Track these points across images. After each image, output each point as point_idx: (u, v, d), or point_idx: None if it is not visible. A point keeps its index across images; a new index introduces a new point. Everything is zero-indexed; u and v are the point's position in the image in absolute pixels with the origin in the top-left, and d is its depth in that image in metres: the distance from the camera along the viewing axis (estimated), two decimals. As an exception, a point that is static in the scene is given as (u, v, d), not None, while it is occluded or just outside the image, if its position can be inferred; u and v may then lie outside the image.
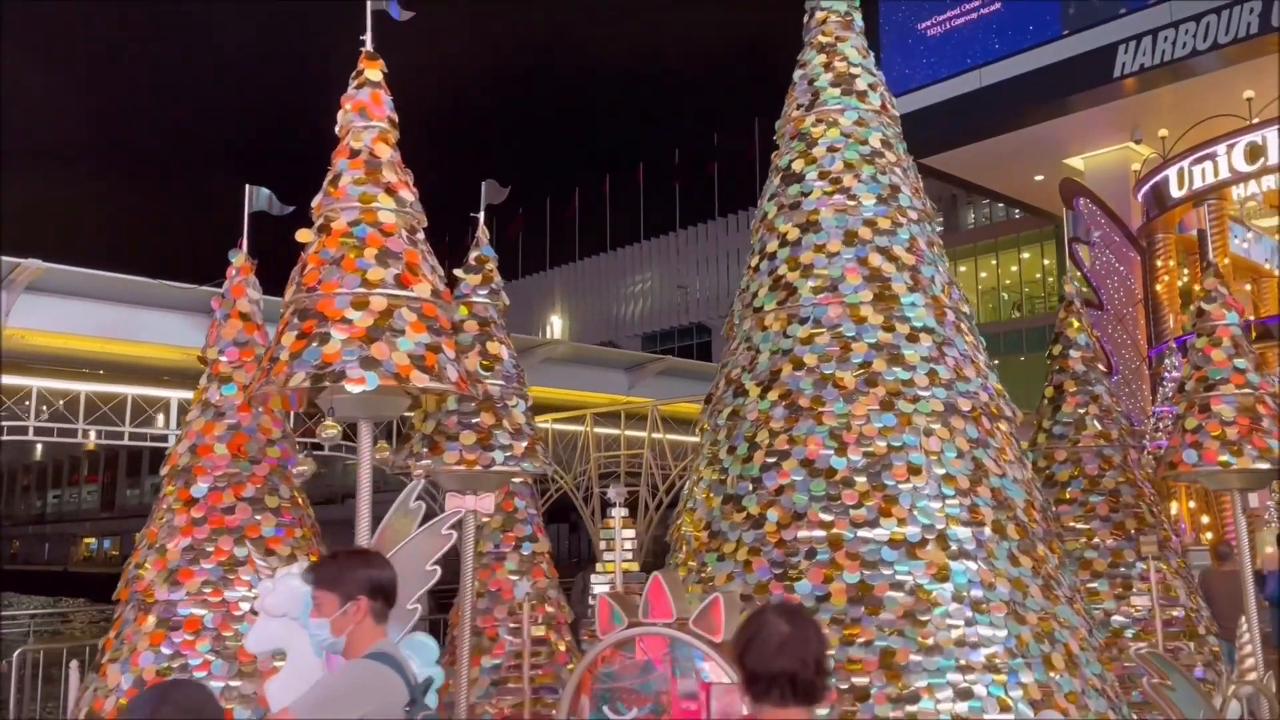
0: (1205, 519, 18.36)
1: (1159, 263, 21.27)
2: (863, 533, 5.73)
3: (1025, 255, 45.29)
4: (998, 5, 23.00)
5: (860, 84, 7.12)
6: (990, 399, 6.33)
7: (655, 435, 13.56)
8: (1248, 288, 23.73)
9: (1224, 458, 6.76)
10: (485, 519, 7.38)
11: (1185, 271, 21.13)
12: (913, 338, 6.30)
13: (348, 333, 4.69)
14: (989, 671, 5.37)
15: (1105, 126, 22.90)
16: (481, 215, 6.43)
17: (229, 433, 6.28)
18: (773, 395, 6.35)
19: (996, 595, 5.61)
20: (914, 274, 6.51)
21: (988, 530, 5.80)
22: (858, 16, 7.41)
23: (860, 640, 5.44)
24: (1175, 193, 19.57)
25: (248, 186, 6.84)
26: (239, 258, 6.74)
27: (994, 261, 45.79)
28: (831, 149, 6.94)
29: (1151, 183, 20.51)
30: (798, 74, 7.35)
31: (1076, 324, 8.87)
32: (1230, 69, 19.05)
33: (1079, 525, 8.14)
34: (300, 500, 6.47)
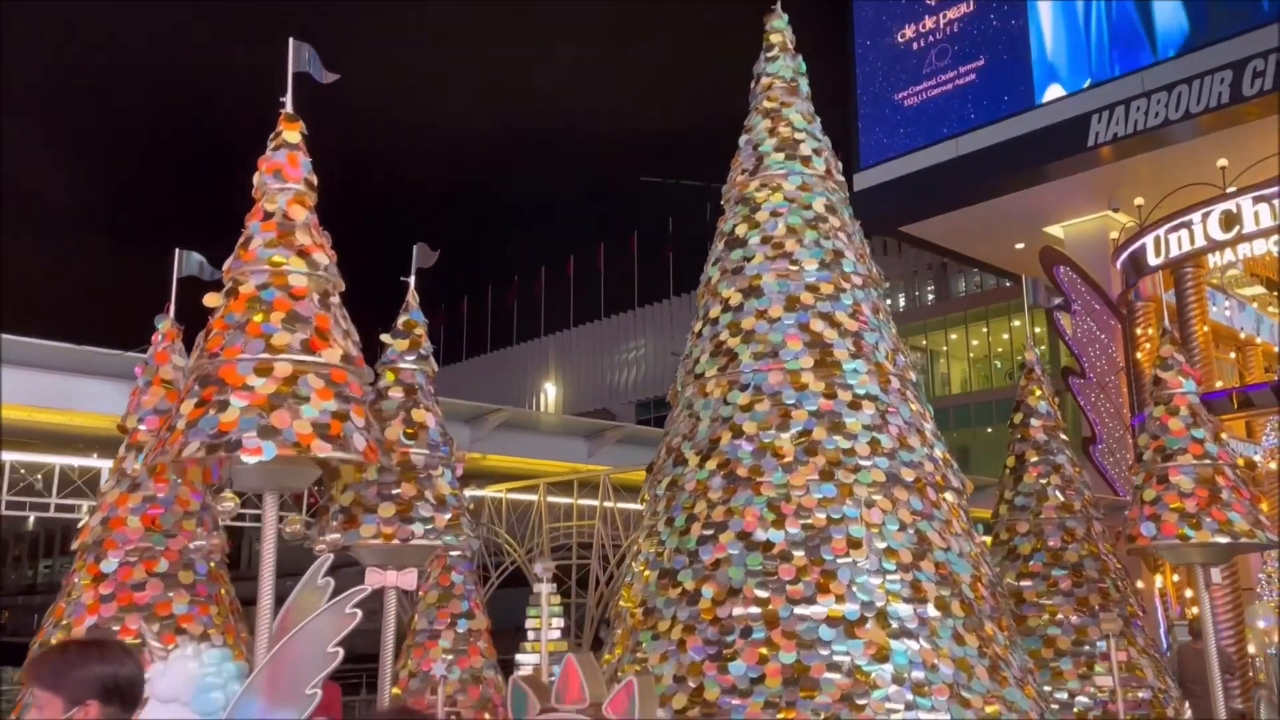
0: (1189, 593, 18.07)
1: (1139, 330, 21.29)
2: (800, 610, 5.53)
3: (1016, 323, 45.46)
4: (973, 77, 23.45)
5: (804, 149, 7.12)
6: (936, 468, 6.18)
7: (608, 504, 13.40)
8: (1232, 355, 23.77)
9: (1183, 531, 6.60)
10: (421, 594, 7.15)
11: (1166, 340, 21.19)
12: (855, 405, 6.18)
13: (248, 400, 4.55)
14: (931, 759, 5.13)
15: (1083, 195, 23.15)
16: (412, 279, 6.35)
17: (144, 505, 6.09)
18: (711, 464, 6.20)
19: (939, 677, 5.39)
20: (857, 340, 6.42)
21: (931, 607, 5.60)
22: (803, 82, 7.44)
23: (795, 725, 5.21)
24: (1152, 260, 19.69)
25: (177, 251, 6.76)
26: (165, 323, 6.63)
27: (985, 329, 45.92)
28: (774, 213, 6.91)
29: (1129, 250, 20.64)
30: (743, 139, 7.35)
31: (1038, 391, 8.77)
32: (1203, 138, 19.35)
33: (1042, 601, 7.93)
34: (219, 575, 6.26)
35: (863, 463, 5.95)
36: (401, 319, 6.22)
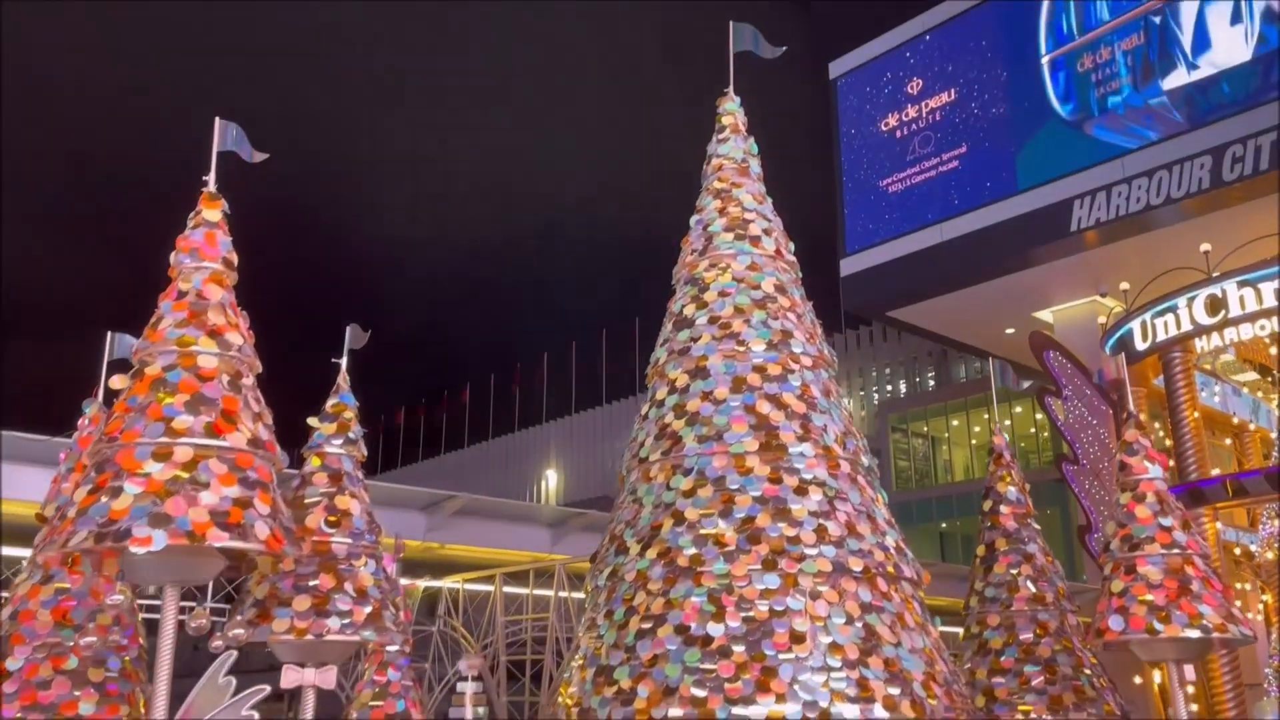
0: (1191, 690, 17.53)
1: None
2: (738, 710, 5.24)
3: (1018, 410, 45.28)
4: (955, 164, 23.77)
5: (754, 229, 7.07)
6: (887, 557, 5.95)
7: (563, 595, 12.98)
8: (1228, 442, 23.53)
9: (1151, 624, 6.33)
10: (356, 691, 6.86)
11: (1158, 425, 20.98)
12: (801, 490, 5.99)
13: (142, 486, 4.37)
14: None
15: (1071, 279, 23.23)
16: (344, 360, 6.23)
17: (55, 598, 5.85)
18: (652, 553, 5.98)
19: (888, 784, 5.08)
20: (804, 422, 6.26)
21: (879, 708, 5.31)
22: (754, 163, 7.44)
23: (730, 838, 4.88)
24: (1139, 346, 19.63)
25: (109, 334, 6.65)
26: (92, 408, 6.49)
27: (986, 415, 45.61)
28: (723, 293, 6.82)
29: (1117, 335, 20.61)
30: (694, 219, 7.32)
31: (1008, 477, 8.56)
32: (1186, 222, 19.46)
33: (1014, 699, 7.59)
34: (133, 673, 5.98)
35: (808, 551, 5.73)
36: (330, 402, 6.07)
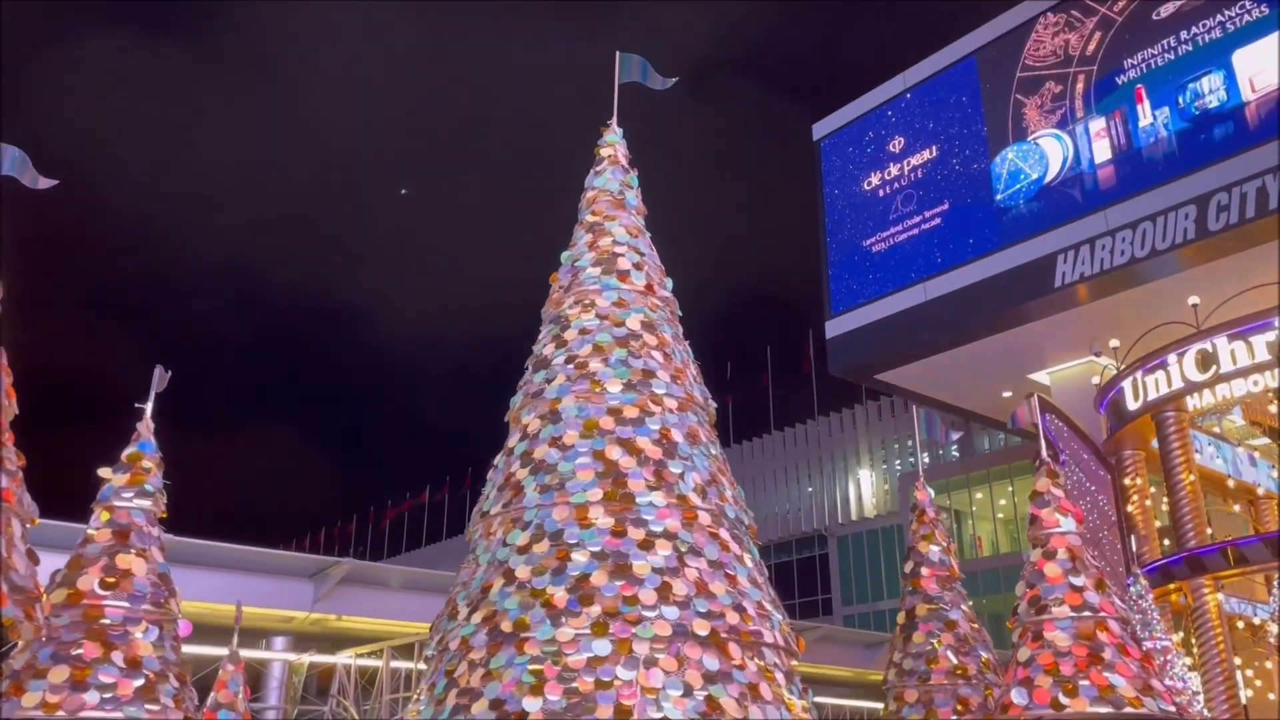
0: (1196, 777, 16.40)
1: (1128, 481, 20.28)
2: (545, 798, 4.63)
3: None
4: (938, 220, 23.38)
5: (624, 263, 6.64)
6: (744, 619, 5.35)
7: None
8: (1236, 509, 22.59)
9: (1057, 698, 5.66)
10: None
11: (1154, 490, 20.14)
12: (647, 545, 5.43)
13: None
14: None
15: (1063, 338, 22.64)
16: (149, 405, 5.77)
17: None
18: (477, 617, 5.41)
19: None
20: (659, 470, 5.72)
21: (712, 794, 4.68)
22: (631, 195, 7.03)
23: None
24: (1131, 405, 18.93)
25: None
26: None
27: (1010, 488, 44.44)
28: (583, 331, 6.36)
29: (1109, 396, 19.92)
30: (564, 255, 6.91)
31: (931, 536, 7.94)
32: (1174, 276, 18.91)
33: (928, 786, 6.86)
34: None
35: (647, 613, 5.15)
36: (127, 451, 5.59)
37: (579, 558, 5.37)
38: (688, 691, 4.96)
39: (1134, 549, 19.91)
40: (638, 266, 6.66)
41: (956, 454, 53.86)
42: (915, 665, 7.40)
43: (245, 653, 10.43)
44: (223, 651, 10.69)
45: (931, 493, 8.25)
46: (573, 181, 7.17)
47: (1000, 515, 46.63)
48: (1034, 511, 6.49)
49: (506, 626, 5.22)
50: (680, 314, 6.90)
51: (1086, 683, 5.65)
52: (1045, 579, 6.17)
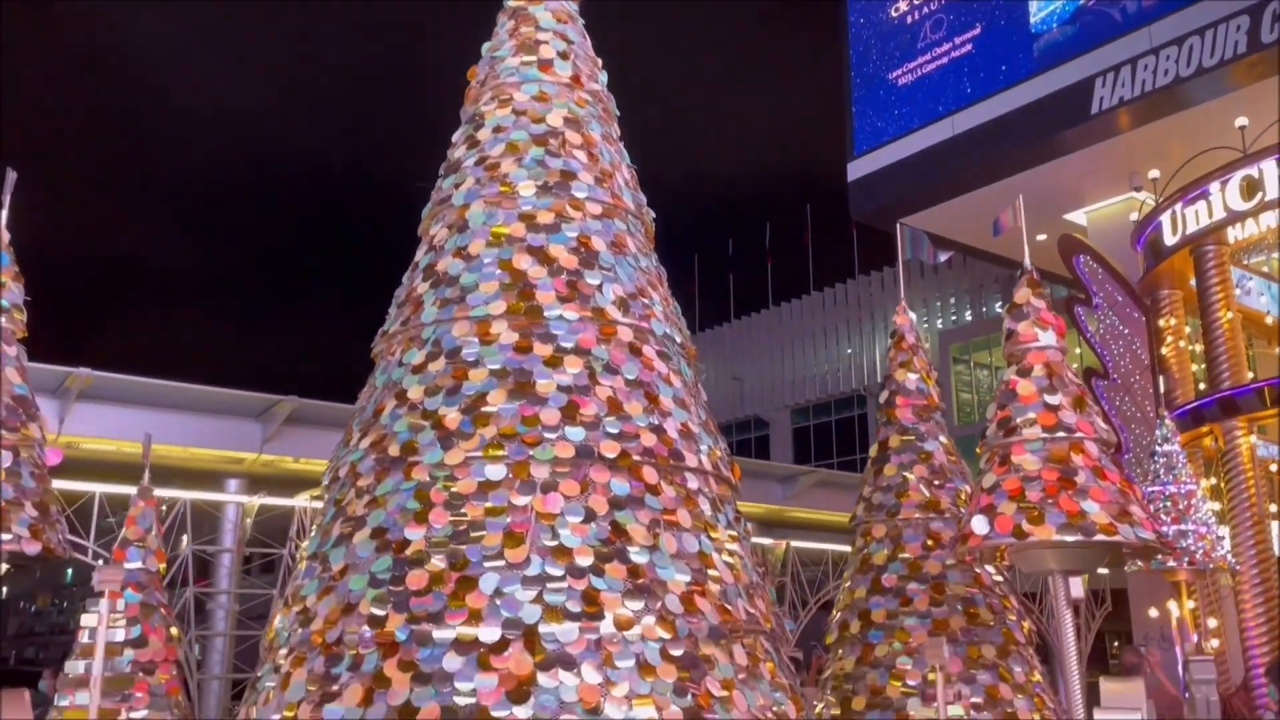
0: (1213, 622, 16.08)
1: (1163, 322, 19.36)
2: (422, 629, 4.22)
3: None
4: (969, 47, 21.84)
5: (547, 51, 5.86)
6: (663, 441, 4.82)
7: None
8: (1278, 351, 21.66)
9: (1020, 525, 5.12)
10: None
11: (1190, 331, 19.21)
12: (554, 361, 4.87)
13: None
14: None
15: (1101, 173, 21.36)
16: (4, 212, 5.22)
17: None
18: (366, 443, 4.95)
19: (604, 722, 4.03)
20: (573, 281, 5.12)
21: (608, 624, 4.24)
22: None
23: (383, 792, 3.89)
24: (1169, 240, 17.86)
25: None
26: None
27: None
28: (497, 130, 5.67)
29: (1146, 232, 18.83)
30: (485, 46, 6.14)
31: (910, 363, 7.32)
32: (1221, 98, 17.52)
33: (891, 623, 6.45)
34: None
35: (547, 434, 4.63)
36: (-26, 263, 5.07)
37: (476, 376, 4.84)
38: (589, 517, 4.48)
39: (1165, 392, 19.20)
40: (563, 56, 5.89)
41: (1000, 309, 52.68)
42: (884, 499, 6.90)
43: (192, 494, 10.29)
44: (172, 493, 10.59)
45: (913, 317, 7.58)
46: None
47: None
48: (1009, 325, 5.82)
49: (394, 451, 4.75)
50: (618, 113, 6.16)
51: (1055, 509, 5.10)
52: (1017, 398, 5.54)
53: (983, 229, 25.28)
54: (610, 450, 4.65)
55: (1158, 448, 15.58)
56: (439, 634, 4.18)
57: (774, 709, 4.53)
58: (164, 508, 9.75)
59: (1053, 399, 5.43)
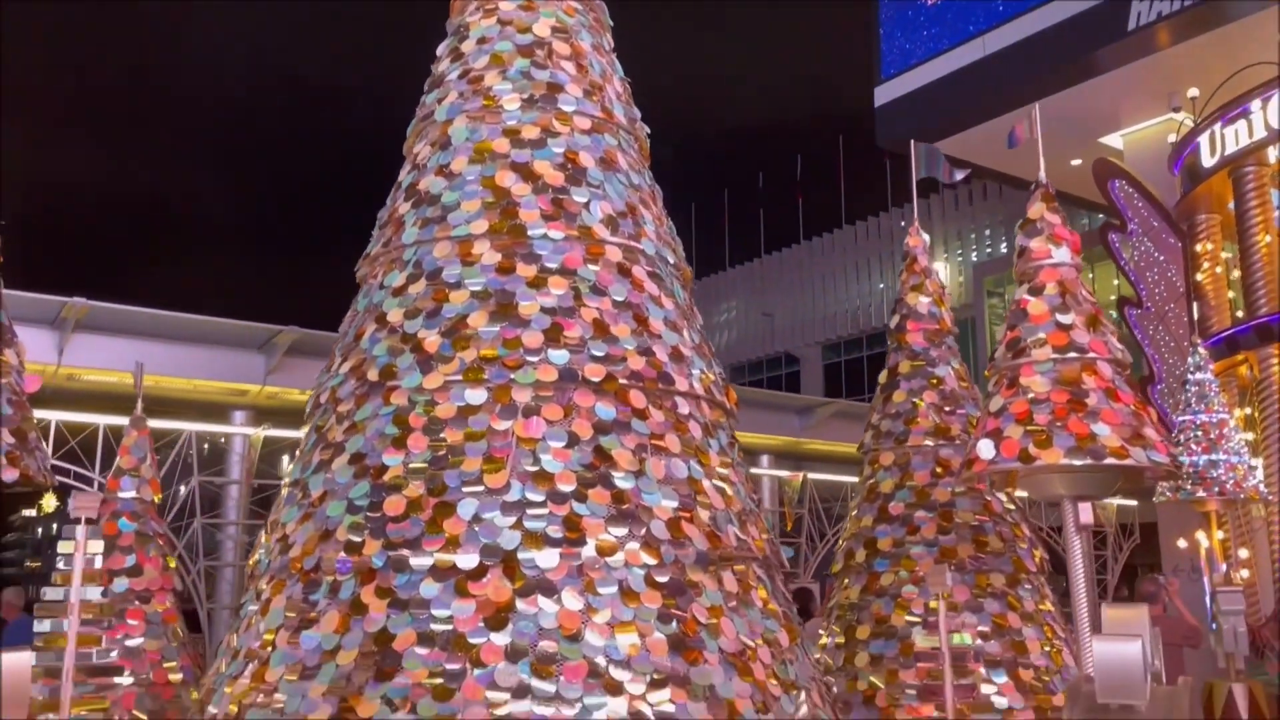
0: (1244, 553, 15.84)
1: (1199, 247, 18.81)
2: (399, 555, 4.13)
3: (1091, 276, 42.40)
4: (1002, -39, 21.05)
5: (534, -43, 5.59)
6: (651, 364, 4.66)
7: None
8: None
9: (1026, 449, 4.93)
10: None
11: (1227, 257, 18.65)
12: (538, 282, 4.71)
13: None
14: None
15: (1138, 94, 20.63)
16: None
17: None
18: (345, 368, 4.84)
19: (585, 649, 3.93)
20: (558, 198, 4.92)
21: (589, 550, 4.13)
22: None
23: (359, 716, 3.83)
24: (1207, 162, 17.25)
25: None
26: None
27: (1090, 275, 42.69)
28: (481, 41, 5.43)
29: (1184, 154, 18.19)
30: (471, -45, 5.86)
31: (922, 286, 7.08)
32: (1263, 11, 16.72)
33: (897, 551, 6.32)
34: None
35: (530, 358, 4.48)
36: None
37: (457, 298, 4.69)
38: (572, 442, 4.34)
39: (1200, 319, 18.75)
40: (551, -39, 5.61)
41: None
42: (893, 426, 6.73)
43: (197, 426, 10.31)
44: (176, 425, 10.61)
45: (926, 239, 7.32)
46: None
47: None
48: (1022, 242, 5.56)
49: (373, 375, 4.63)
50: (610, 23, 5.90)
51: (1064, 432, 4.90)
52: (1028, 317, 5.31)
53: (1015, 154, 24.64)
54: (595, 374, 4.49)
55: (1190, 376, 15.22)
56: (416, 561, 4.09)
57: (765, 636, 4.42)
58: (170, 441, 9.82)
59: (1065, 318, 5.20)
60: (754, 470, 16.46)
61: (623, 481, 4.32)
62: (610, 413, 4.47)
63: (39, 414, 9.91)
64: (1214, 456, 14.46)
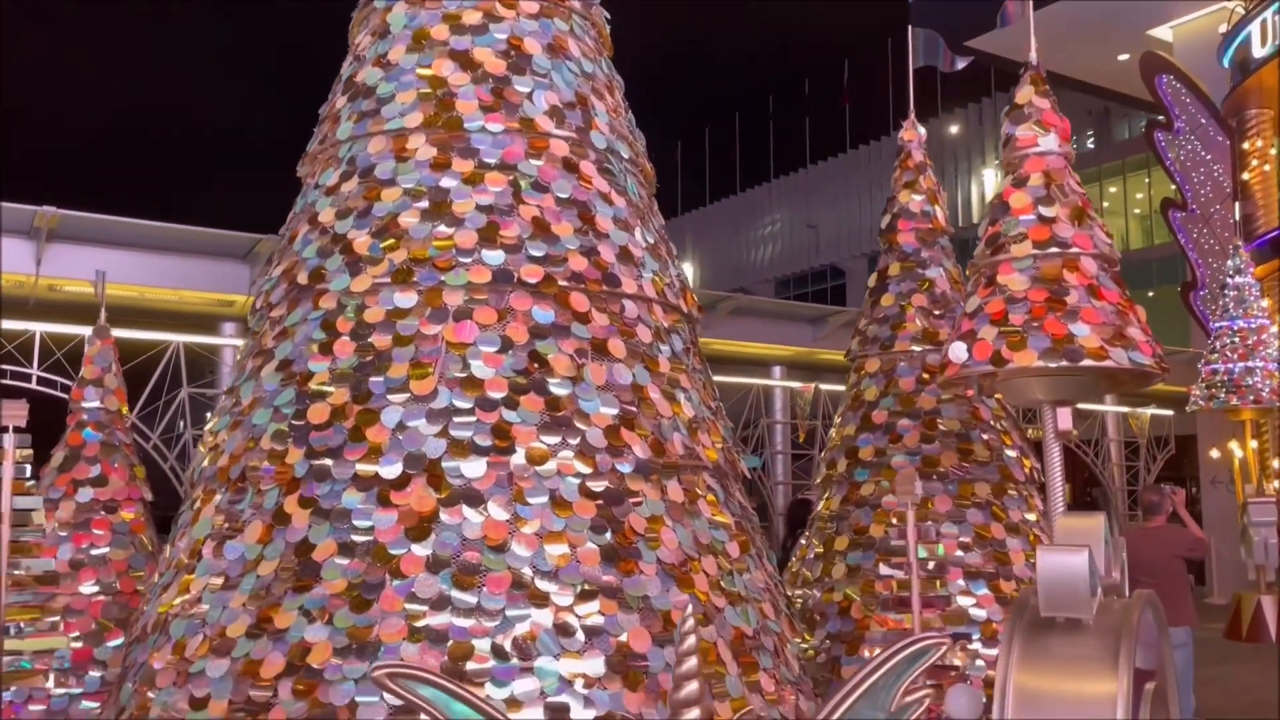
0: (1277, 463, 15.43)
1: (1248, 144, 17.95)
2: (323, 463, 4.01)
3: (1117, 184, 40.89)
4: None
5: None
6: (599, 266, 4.44)
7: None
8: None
9: (999, 351, 4.66)
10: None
11: (1275, 152, 17.76)
12: (475, 178, 4.47)
13: None
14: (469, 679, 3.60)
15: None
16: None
17: None
18: (278, 271, 4.67)
19: (508, 559, 3.81)
20: (499, 88, 4.65)
21: (519, 457, 3.98)
22: None
23: (276, 627, 3.76)
24: (1258, 51, 16.32)
25: None
26: None
27: (1147, 179, 41.30)
28: (426, -80, 5.10)
29: (1234, 44, 17.27)
30: None
31: (915, 183, 6.73)
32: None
33: (878, 460, 6.12)
34: None
35: (463, 259, 4.28)
36: None
37: (389, 196, 4.47)
38: (506, 347, 4.16)
39: (1245, 220, 18.04)
40: None
41: (1091, 144, 50.14)
42: (879, 332, 6.47)
43: (184, 338, 10.28)
44: (165, 337, 10.61)
45: (923, 133, 6.92)
46: None
47: (1136, 210, 44.10)
48: (1008, 129, 5.19)
49: (303, 278, 4.46)
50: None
51: (1039, 333, 4.62)
52: (1009, 210, 4.98)
53: (1059, 52, 23.60)
54: (532, 275, 4.28)
55: (1229, 279, 14.70)
56: (338, 470, 3.97)
57: (713, 547, 4.27)
58: (162, 351, 9.82)
59: (1048, 210, 4.88)
60: (766, 381, 16.24)
61: (558, 388, 4.14)
62: (548, 316, 4.27)
63: (23, 325, 10.08)
64: (1251, 364, 14.02)
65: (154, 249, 10.68)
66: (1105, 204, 46.64)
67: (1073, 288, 4.70)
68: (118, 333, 6.52)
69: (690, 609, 3.60)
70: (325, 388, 4.14)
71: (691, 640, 2.62)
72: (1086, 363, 4.52)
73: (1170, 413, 20.22)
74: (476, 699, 2.74)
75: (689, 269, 70.42)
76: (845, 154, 47.82)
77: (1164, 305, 26.96)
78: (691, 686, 2.54)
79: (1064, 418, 4.84)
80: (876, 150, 45.69)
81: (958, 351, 4.81)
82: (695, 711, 2.52)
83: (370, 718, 3.54)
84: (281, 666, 3.65)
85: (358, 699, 3.56)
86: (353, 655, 3.62)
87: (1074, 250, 4.78)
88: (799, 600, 6.12)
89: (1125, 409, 19.52)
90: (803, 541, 6.51)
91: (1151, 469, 20.26)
